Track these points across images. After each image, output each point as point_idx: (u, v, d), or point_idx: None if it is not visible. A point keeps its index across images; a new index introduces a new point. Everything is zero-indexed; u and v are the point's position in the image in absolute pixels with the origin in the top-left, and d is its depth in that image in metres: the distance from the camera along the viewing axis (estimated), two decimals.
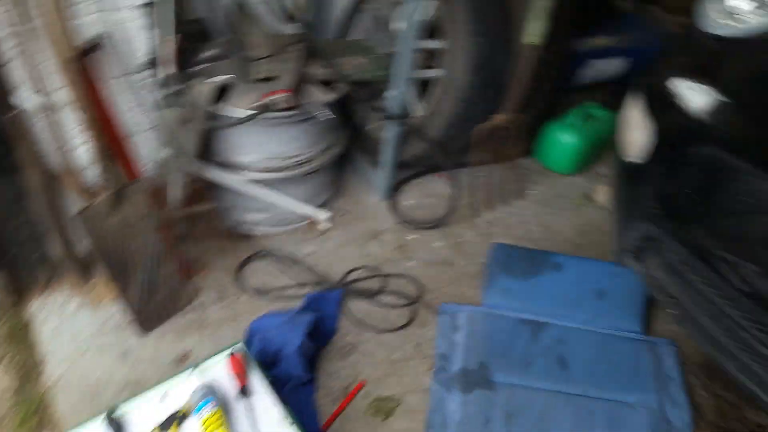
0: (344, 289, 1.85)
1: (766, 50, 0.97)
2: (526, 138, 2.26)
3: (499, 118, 2.04)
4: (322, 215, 2.07)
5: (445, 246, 2.06)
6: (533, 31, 1.81)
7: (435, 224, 2.10)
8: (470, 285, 1.90)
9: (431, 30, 1.95)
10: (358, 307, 1.82)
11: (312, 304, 1.77)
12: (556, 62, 2.05)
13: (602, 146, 2.40)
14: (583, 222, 2.19)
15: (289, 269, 1.94)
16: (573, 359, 1.64)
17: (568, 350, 1.66)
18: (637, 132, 1.12)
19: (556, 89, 2.20)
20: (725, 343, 1.02)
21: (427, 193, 2.28)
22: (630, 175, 1.14)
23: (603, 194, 2.24)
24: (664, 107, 1.05)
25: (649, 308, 1.80)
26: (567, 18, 1.90)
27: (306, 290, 1.85)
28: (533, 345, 1.66)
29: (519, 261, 1.85)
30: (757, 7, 1.01)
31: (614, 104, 2.48)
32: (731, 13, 1.05)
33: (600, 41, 2.44)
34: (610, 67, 2.54)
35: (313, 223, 2.08)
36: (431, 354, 1.69)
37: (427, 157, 2.09)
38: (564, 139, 2.32)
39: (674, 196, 1.00)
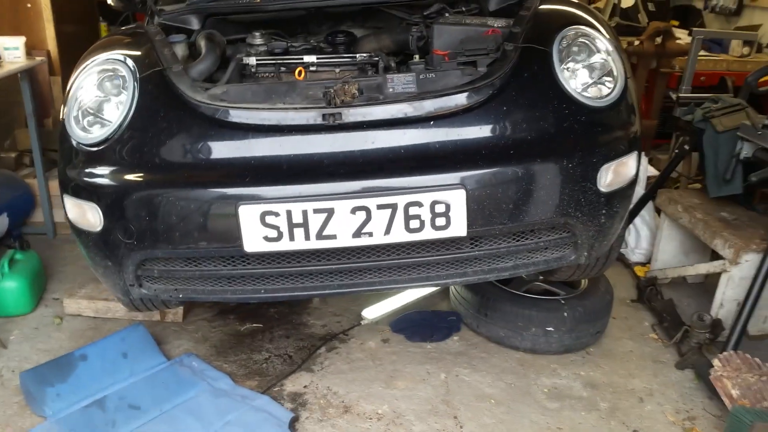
0: None
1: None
2: None
3: None
4: None
5: None
6: None
7: None
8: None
9: None
10: None
11: None
12: None
13: (41, 277, 2.81)
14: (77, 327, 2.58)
15: None
16: (140, 401, 2.10)
17: (133, 398, 2.11)
18: (89, 216, 1.73)
19: None
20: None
21: None
22: (97, 240, 1.75)
23: (73, 305, 2.67)
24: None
25: (159, 345, 2.42)
26: None
27: None
28: (107, 414, 2.04)
29: (49, 372, 2.14)
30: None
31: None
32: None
33: None
34: None
35: None
36: None
37: None
38: (6, 285, 2.61)
39: (132, 230, 1.67)
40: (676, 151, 3.22)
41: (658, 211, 3.25)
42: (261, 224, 1.60)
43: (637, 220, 3.26)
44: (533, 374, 2.34)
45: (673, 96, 3.42)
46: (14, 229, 3.08)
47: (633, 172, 1.87)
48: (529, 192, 1.67)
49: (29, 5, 3.87)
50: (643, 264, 3.28)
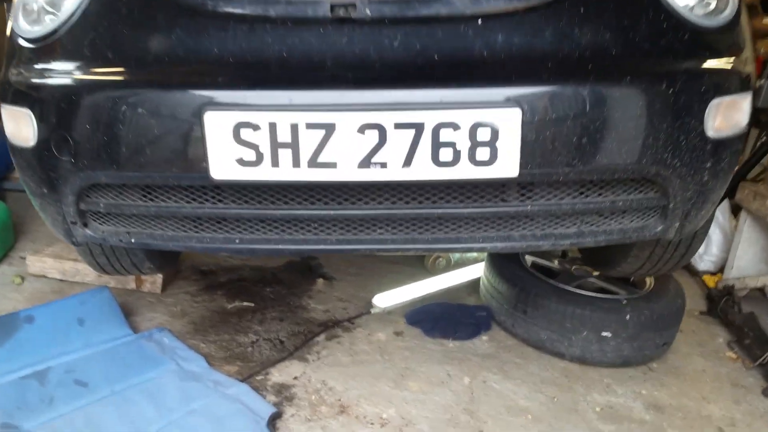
0: None
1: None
2: None
3: None
4: None
5: None
6: None
7: None
8: None
9: None
10: None
11: None
12: None
13: (7, 232, 2.43)
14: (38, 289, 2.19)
15: None
16: (89, 377, 1.69)
17: (82, 373, 1.70)
18: (22, 127, 1.33)
19: None
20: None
21: None
22: (30, 158, 1.33)
23: (36, 264, 2.28)
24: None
25: (127, 316, 2.01)
26: None
27: None
28: (46, 388, 1.63)
29: None
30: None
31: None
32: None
33: None
34: None
35: None
36: None
37: None
38: None
39: (69, 144, 1.25)
40: (764, 138, 2.71)
41: (734, 212, 2.76)
42: (234, 140, 1.17)
43: None
44: (582, 388, 1.86)
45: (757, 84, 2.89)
46: None
47: (746, 120, 1.39)
48: (612, 123, 1.20)
49: None
50: (712, 273, 2.77)
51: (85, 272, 2.24)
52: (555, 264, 2.27)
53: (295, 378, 1.81)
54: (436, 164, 1.17)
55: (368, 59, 1.18)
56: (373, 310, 2.21)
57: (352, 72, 1.17)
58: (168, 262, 2.03)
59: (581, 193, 1.30)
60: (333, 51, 1.18)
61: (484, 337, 2.10)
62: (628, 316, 1.92)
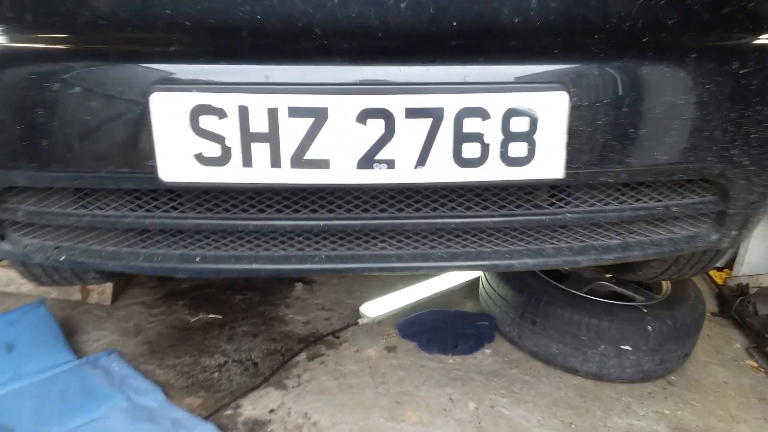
0: None
1: None
2: None
3: None
4: None
5: None
6: None
7: None
8: None
9: None
10: None
11: None
12: None
13: None
14: None
15: None
16: (17, 420, 1.39)
17: (8, 415, 1.39)
18: None
19: None
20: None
21: None
22: None
23: None
24: None
25: (70, 336, 1.71)
26: None
27: None
28: None
29: None
30: None
31: None
32: None
33: None
34: None
35: None
36: None
37: None
38: None
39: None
40: None
41: None
42: (192, 130, 0.87)
43: None
44: (600, 410, 1.64)
45: None
46: None
47: None
48: (677, 112, 0.95)
49: None
50: (719, 269, 2.58)
51: (20, 281, 1.91)
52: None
53: (272, 411, 1.54)
54: (459, 163, 0.90)
55: (370, 25, 0.89)
56: (360, 321, 1.94)
57: (349, 41, 0.88)
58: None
59: (631, 197, 1.04)
60: (324, 13, 0.89)
61: (487, 351, 1.86)
62: (650, 327, 1.70)
